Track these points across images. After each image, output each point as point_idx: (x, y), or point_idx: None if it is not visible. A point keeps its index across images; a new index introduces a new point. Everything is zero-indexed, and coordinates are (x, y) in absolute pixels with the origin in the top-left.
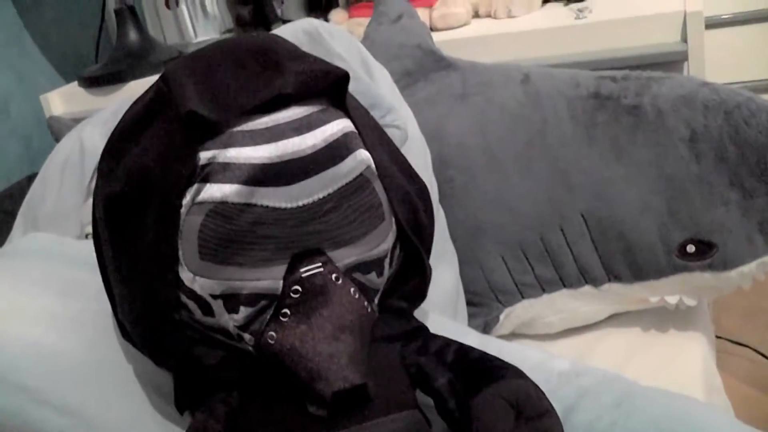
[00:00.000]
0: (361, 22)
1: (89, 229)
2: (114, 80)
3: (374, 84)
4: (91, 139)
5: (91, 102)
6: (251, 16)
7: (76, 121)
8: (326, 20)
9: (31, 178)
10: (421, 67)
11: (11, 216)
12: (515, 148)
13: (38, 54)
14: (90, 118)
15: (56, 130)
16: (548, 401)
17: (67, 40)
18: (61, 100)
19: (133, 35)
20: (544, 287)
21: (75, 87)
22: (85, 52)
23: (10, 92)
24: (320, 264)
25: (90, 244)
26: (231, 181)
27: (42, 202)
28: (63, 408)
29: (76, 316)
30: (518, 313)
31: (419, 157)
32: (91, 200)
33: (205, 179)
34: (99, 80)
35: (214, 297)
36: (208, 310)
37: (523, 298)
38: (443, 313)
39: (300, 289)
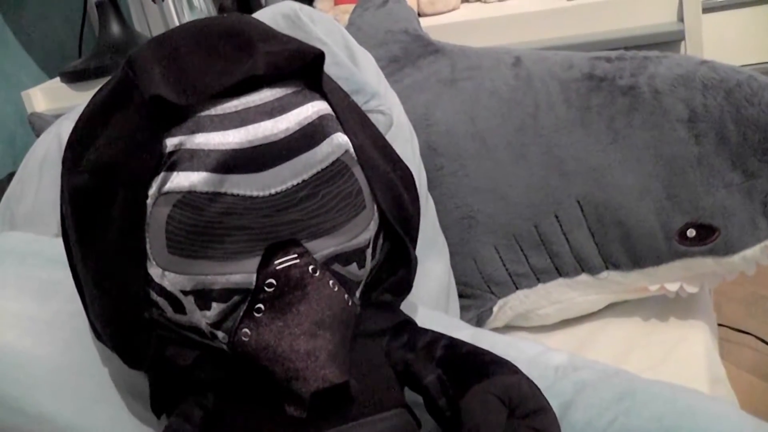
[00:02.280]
0: (347, 9)
1: None
2: (96, 75)
3: (358, 69)
4: (68, 135)
5: (73, 97)
6: (235, 7)
7: (58, 117)
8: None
9: (11, 177)
10: (409, 53)
11: None
12: (507, 134)
13: (20, 51)
14: (68, 113)
15: (38, 126)
16: (543, 397)
17: (49, 36)
18: (43, 96)
19: (115, 29)
20: (539, 277)
21: (57, 83)
22: (68, 48)
23: None
24: (296, 255)
25: None
26: (199, 169)
27: (20, 200)
28: (37, 415)
29: (52, 319)
30: (513, 304)
31: (406, 145)
32: None
33: (172, 168)
34: (81, 75)
35: (185, 293)
36: (179, 307)
37: (517, 288)
38: (434, 306)
39: (275, 282)
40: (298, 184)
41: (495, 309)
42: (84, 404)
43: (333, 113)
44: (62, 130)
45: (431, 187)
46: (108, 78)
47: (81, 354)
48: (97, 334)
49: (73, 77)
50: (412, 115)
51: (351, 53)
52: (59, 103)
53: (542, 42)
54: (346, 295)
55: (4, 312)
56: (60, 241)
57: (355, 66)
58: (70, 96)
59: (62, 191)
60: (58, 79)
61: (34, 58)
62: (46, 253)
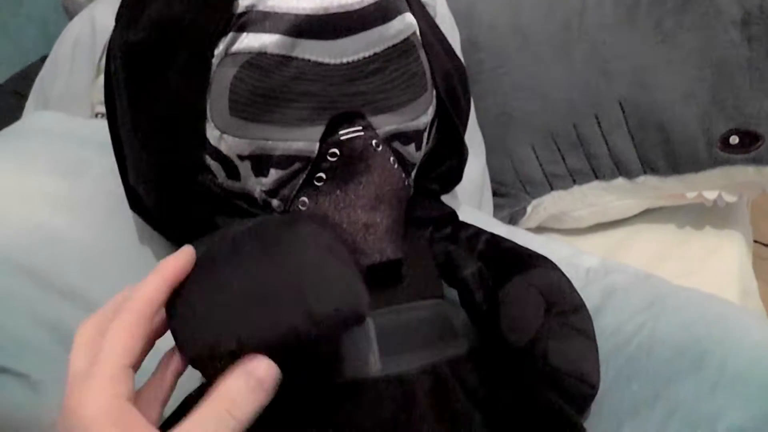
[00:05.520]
0: None
1: (99, 108)
2: None
3: None
4: (102, 18)
5: None
6: None
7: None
8: None
9: (45, 59)
10: None
11: (24, 98)
12: (550, 31)
13: None
14: None
15: (72, 12)
16: (580, 297)
17: None
18: None
19: None
20: (575, 178)
21: None
22: None
23: None
24: (360, 128)
25: (98, 122)
26: (271, 31)
27: (53, 81)
28: (67, 292)
29: (84, 198)
30: (546, 205)
31: (448, 38)
32: (101, 79)
33: (242, 28)
34: None
35: (242, 158)
36: (233, 172)
37: (552, 189)
38: (468, 203)
39: (338, 152)
40: (370, 56)
41: (529, 209)
42: (113, 283)
43: None
44: (96, 13)
45: (471, 84)
46: None
47: (111, 234)
48: (134, 204)
49: None
50: (453, 7)
51: None
52: None
53: None
54: (403, 174)
55: (36, 190)
56: (92, 121)
57: None
58: None
59: (112, 49)
60: None
61: None
62: (78, 133)
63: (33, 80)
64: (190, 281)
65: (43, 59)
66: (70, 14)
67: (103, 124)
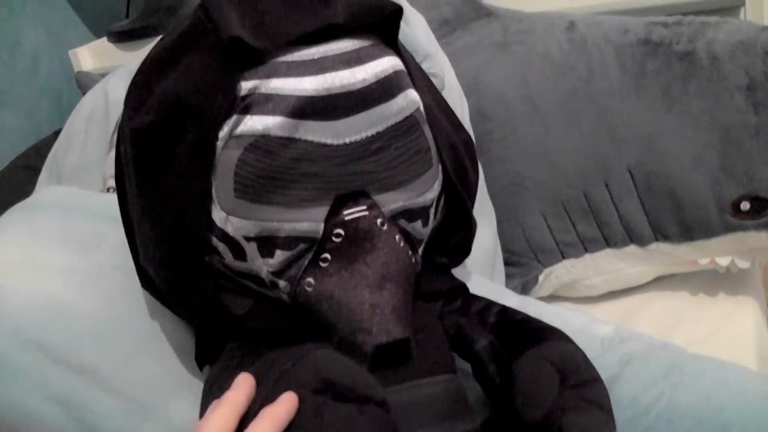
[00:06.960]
0: None
1: (111, 182)
2: (144, 35)
3: (410, 30)
4: (115, 92)
5: (120, 57)
6: None
7: (105, 76)
8: None
9: (57, 133)
10: (460, 16)
11: (36, 171)
12: (558, 99)
13: (69, 10)
14: (115, 71)
15: (84, 85)
16: (595, 369)
17: None
18: (90, 55)
19: None
20: (586, 246)
21: (104, 42)
22: (116, 8)
23: (41, 49)
24: (365, 207)
25: (111, 197)
26: (274, 113)
27: (66, 155)
28: (79, 366)
29: (96, 272)
30: (558, 273)
31: (456, 109)
32: (114, 153)
33: (246, 111)
34: (128, 35)
35: (248, 239)
36: (240, 253)
37: (564, 257)
38: (480, 273)
39: (342, 232)
40: (372, 135)
41: (541, 278)
42: (125, 357)
43: (405, 70)
44: (109, 88)
45: (480, 153)
46: (155, 39)
47: (123, 308)
48: (145, 282)
49: (120, 37)
50: (462, 78)
51: (403, 14)
52: (106, 62)
53: (598, 7)
54: (410, 252)
55: (49, 263)
56: (104, 195)
57: (406, 27)
58: (116, 55)
59: (121, 131)
60: (105, 38)
61: (81, 17)
62: (91, 207)
63: (45, 154)
64: None
65: (56, 133)
66: (83, 87)
67: (115, 199)
